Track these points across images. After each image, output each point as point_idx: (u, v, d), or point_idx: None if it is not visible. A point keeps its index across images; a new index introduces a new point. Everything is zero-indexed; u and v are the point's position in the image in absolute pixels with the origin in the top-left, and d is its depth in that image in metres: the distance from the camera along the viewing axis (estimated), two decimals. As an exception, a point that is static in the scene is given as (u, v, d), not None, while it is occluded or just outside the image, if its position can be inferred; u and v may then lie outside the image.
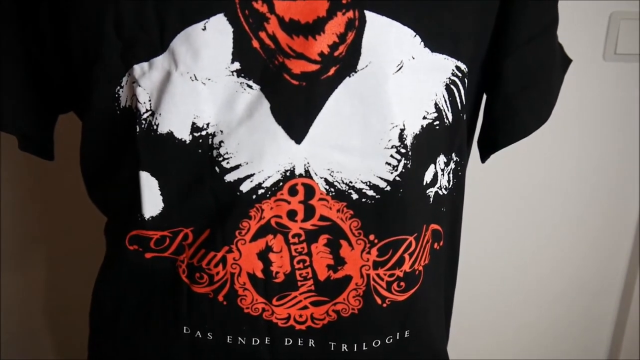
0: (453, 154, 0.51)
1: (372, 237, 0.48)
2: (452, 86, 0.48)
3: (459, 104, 0.49)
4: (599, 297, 1.13)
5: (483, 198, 1.03)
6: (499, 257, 1.10)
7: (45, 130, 0.55)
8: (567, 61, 0.63)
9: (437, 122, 0.48)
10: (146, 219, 0.47)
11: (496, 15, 0.51)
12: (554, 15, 0.57)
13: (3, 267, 0.98)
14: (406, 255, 0.49)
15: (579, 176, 1.09)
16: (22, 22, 0.49)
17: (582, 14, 1.02)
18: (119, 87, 0.45)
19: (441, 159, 0.50)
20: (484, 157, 0.58)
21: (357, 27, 0.43)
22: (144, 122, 0.45)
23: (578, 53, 1.03)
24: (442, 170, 0.51)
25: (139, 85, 0.44)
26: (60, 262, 1.00)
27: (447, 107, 0.48)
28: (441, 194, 0.51)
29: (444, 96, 0.48)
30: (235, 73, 0.43)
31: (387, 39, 0.44)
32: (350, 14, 0.43)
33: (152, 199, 0.46)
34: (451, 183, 0.53)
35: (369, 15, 0.43)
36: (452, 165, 0.52)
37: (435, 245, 0.53)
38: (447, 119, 0.49)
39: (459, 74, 0.48)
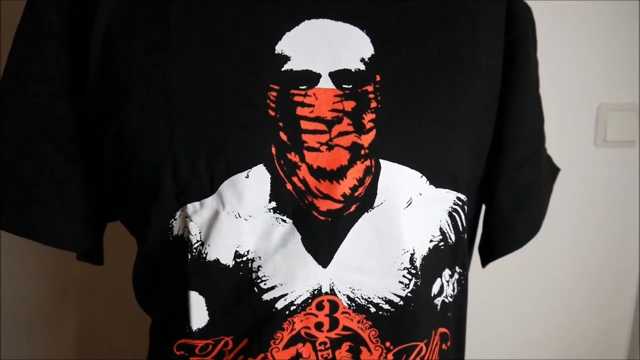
0: (456, 267, 0.59)
1: (388, 343, 0.55)
2: (454, 213, 0.56)
3: (460, 227, 0.57)
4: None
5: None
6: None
7: (98, 241, 0.63)
8: (555, 171, 0.71)
9: (442, 243, 0.56)
10: (193, 330, 0.54)
11: (489, 144, 0.60)
12: (541, 138, 0.65)
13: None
14: (418, 359, 0.56)
15: (574, 258, 1.17)
16: (84, 154, 0.57)
17: (573, 105, 1.11)
18: (172, 220, 0.54)
19: (446, 272, 0.58)
20: (484, 264, 0.66)
21: (374, 172, 0.52)
22: (194, 250, 0.53)
23: (571, 140, 1.13)
24: (448, 281, 0.59)
25: (191, 221, 0.52)
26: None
27: (450, 230, 0.57)
28: (447, 301, 0.59)
29: (447, 221, 0.56)
30: (271, 210, 0.52)
31: (398, 181, 0.52)
32: (367, 162, 0.51)
33: (199, 314, 0.54)
34: (456, 291, 0.60)
35: (383, 162, 0.52)
36: (456, 276, 0.60)
37: (444, 346, 0.60)
38: (451, 239, 0.57)
39: (460, 203, 0.56)
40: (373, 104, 0.52)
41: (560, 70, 1.08)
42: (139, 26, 0.53)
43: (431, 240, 0.56)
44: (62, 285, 1.08)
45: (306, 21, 0.52)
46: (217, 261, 0.53)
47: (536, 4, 0.63)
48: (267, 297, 0.53)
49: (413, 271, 0.54)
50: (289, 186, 0.51)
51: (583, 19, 1.08)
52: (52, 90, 0.55)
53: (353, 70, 0.52)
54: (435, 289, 0.57)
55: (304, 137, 0.51)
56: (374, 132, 0.51)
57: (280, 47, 0.52)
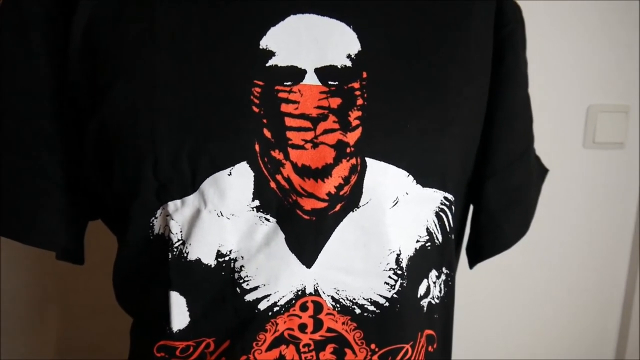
0: (443, 268, 0.58)
1: (373, 346, 0.54)
2: (441, 213, 0.55)
3: (447, 227, 0.56)
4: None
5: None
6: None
7: (79, 241, 0.61)
8: (544, 171, 0.71)
9: (429, 244, 0.55)
10: (174, 331, 0.53)
11: (478, 143, 0.59)
12: (530, 137, 0.65)
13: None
14: None
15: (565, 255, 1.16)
16: (67, 149, 0.56)
17: (563, 106, 1.11)
18: (153, 218, 0.52)
19: (433, 273, 0.57)
20: (471, 265, 0.65)
21: (359, 171, 0.51)
22: (175, 249, 0.52)
23: (560, 142, 1.13)
24: (434, 282, 0.58)
25: (172, 219, 0.51)
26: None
27: (437, 230, 0.56)
28: (434, 303, 0.58)
29: (434, 221, 0.55)
30: (255, 209, 0.51)
31: (384, 180, 0.51)
32: (353, 160, 0.50)
33: (180, 314, 0.53)
34: (442, 292, 0.59)
35: (369, 161, 0.51)
36: (443, 277, 0.59)
37: (430, 348, 0.59)
38: (438, 239, 0.56)
39: (447, 203, 0.55)
40: (359, 101, 0.51)
41: (550, 71, 1.08)
42: (123, 20, 0.51)
43: (418, 241, 0.55)
44: (41, 285, 1.06)
45: (292, 16, 0.51)
46: (198, 261, 0.52)
47: (527, 4, 0.62)
48: (249, 297, 0.52)
49: (399, 272, 0.53)
50: (272, 184, 0.50)
51: (574, 20, 1.08)
52: (33, 83, 0.54)
53: (339, 66, 0.51)
54: (421, 290, 0.56)
55: (289, 134, 0.50)
56: (360, 129, 0.50)
57: (265, 42, 0.51)
